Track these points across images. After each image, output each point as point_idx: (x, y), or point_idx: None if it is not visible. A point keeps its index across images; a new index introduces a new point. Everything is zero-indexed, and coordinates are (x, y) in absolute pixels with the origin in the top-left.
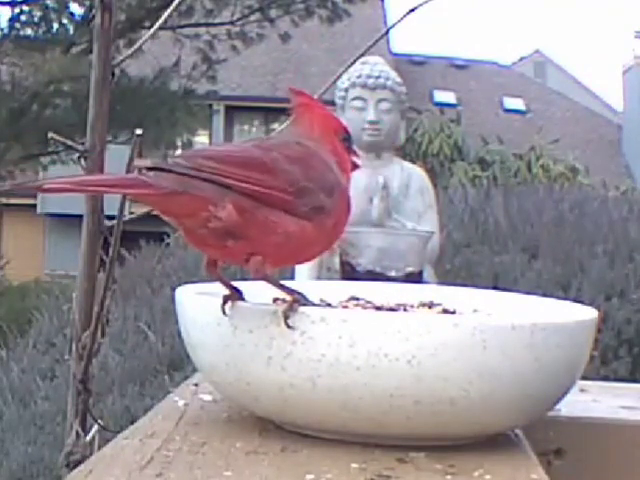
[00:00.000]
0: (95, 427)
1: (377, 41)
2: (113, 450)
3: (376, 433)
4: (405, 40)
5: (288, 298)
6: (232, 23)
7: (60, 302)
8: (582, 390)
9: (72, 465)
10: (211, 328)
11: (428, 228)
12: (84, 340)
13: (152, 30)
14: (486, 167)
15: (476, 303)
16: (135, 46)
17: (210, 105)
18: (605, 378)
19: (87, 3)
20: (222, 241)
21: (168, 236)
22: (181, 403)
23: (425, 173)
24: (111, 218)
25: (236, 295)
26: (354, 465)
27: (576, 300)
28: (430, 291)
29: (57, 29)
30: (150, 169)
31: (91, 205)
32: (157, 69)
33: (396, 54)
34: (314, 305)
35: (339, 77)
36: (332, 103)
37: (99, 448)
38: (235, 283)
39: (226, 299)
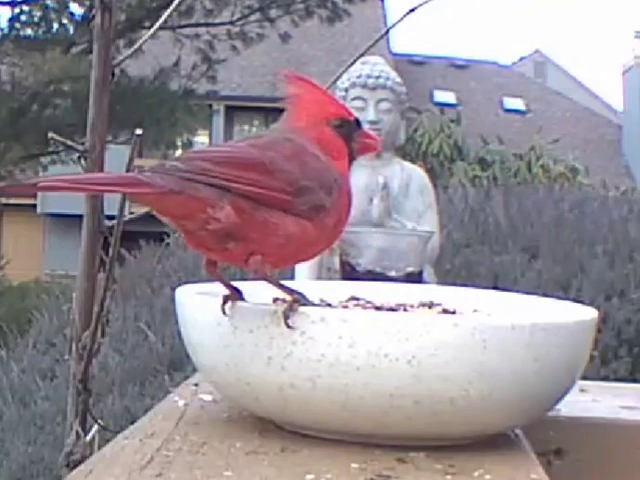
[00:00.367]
0: (95, 427)
1: (377, 41)
2: (113, 450)
3: (376, 433)
4: (405, 40)
5: (288, 298)
6: (232, 23)
7: (60, 302)
8: (582, 390)
9: (72, 465)
10: (211, 328)
11: (428, 228)
12: (84, 340)
13: (152, 30)
14: (486, 167)
15: (476, 303)
16: (135, 46)
17: (210, 105)
18: (605, 378)
19: (87, 3)
20: (222, 243)
21: (168, 236)
22: (181, 403)
23: (425, 173)
24: (111, 218)
25: (236, 295)
26: (354, 465)
27: (576, 300)
28: (430, 291)
29: (57, 29)
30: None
31: (91, 205)
32: (157, 69)
33: (396, 54)
34: (314, 305)
35: (339, 77)
36: None
37: (99, 448)
38: (235, 283)
39: (226, 299)
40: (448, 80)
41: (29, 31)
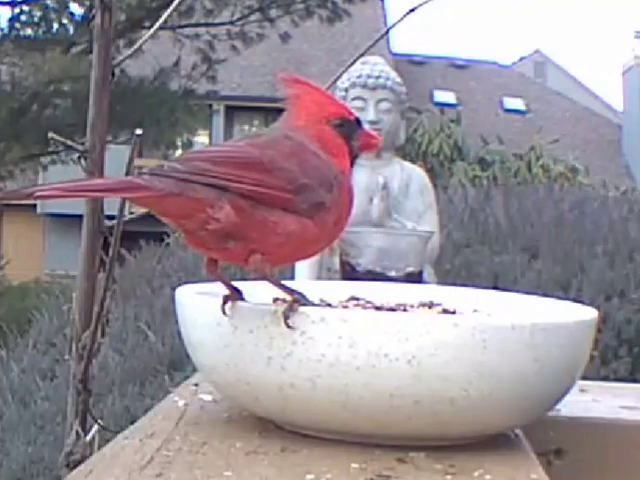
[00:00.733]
0: (95, 427)
1: (377, 41)
2: (113, 450)
3: (376, 433)
4: (405, 40)
5: (288, 298)
6: (232, 23)
7: (60, 302)
8: (582, 390)
9: (72, 465)
10: (211, 328)
11: (428, 228)
12: (84, 340)
13: (152, 30)
14: (486, 167)
15: (476, 303)
16: (135, 46)
17: (210, 105)
18: (605, 378)
19: (87, 3)
20: (222, 243)
21: (168, 236)
22: (181, 403)
23: (425, 173)
24: (111, 218)
25: (236, 295)
26: (354, 465)
27: (576, 300)
28: (430, 291)
29: (57, 29)
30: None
31: (91, 205)
32: (157, 69)
33: (396, 54)
34: (314, 305)
35: (339, 77)
36: None
37: (99, 448)
38: (235, 283)
39: (226, 299)
40: (448, 80)
41: (29, 31)
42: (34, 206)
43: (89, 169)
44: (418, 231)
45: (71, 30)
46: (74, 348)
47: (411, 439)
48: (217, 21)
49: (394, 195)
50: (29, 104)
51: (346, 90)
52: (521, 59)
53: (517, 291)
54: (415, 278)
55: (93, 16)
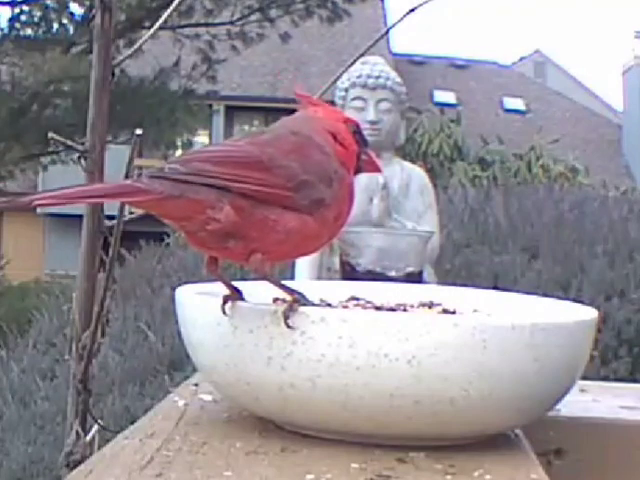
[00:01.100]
0: (95, 427)
1: (377, 41)
2: (113, 450)
3: (376, 433)
4: (405, 40)
5: (288, 298)
6: (232, 23)
7: (60, 302)
8: (582, 390)
9: (72, 465)
10: (211, 328)
11: (428, 228)
12: (84, 340)
13: (152, 30)
14: (486, 167)
15: (476, 303)
16: (135, 46)
17: (210, 105)
18: (605, 378)
19: (87, 3)
20: (222, 243)
21: (168, 236)
22: (181, 403)
23: (425, 173)
24: (111, 218)
25: (236, 295)
26: (354, 465)
27: (576, 300)
28: (430, 291)
29: (57, 29)
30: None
31: (91, 205)
32: (157, 69)
33: (396, 54)
34: (314, 305)
35: (339, 77)
36: (332, 103)
37: (99, 448)
38: (235, 283)
39: (226, 299)
40: (448, 80)
41: (29, 31)
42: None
43: (89, 169)
44: (418, 231)
45: (71, 30)
46: (74, 348)
47: (411, 439)
48: (217, 21)
49: (394, 195)
50: (29, 104)
51: (346, 90)
52: (521, 59)
53: (517, 291)
54: (415, 278)
55: (93, 16)
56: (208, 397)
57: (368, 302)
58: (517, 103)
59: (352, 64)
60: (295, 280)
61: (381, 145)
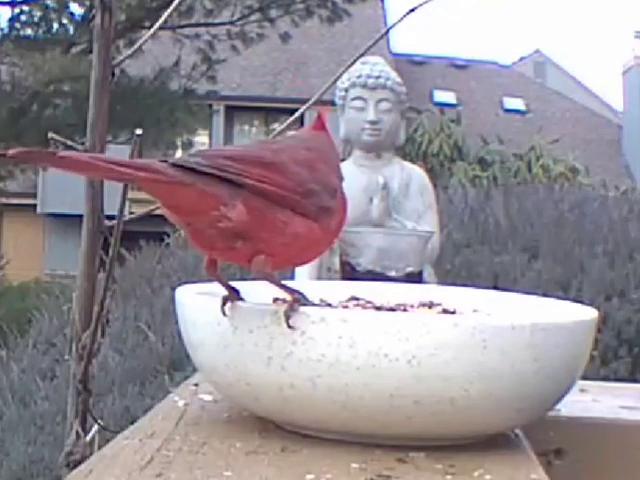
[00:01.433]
0: (95, 427)
1: (377, 41)
2: (113, 450)
3: (376, 433)
4: (405, 40)
5: (288, 298)
6: (232, 23)
7: (60, 302)
8: (582, 390)
9: (72, 465)
10: (211, 328)
11: (428, 228)
12: (84, 340)
13: (152, 30)
14: (486, 167)
15: (476, 303)
16: (135, 46)
17: (210, 105)
18: (605, 378)
19: (87, 3)
20: (230, 242)
21: (168, 236)
22: (181, 403)
23: (425, 173)
24: (111, 218)
25: (235, 296)
26: (354, 465)
27: (576, 300)
28: (430, 291)
29: (57, 29)
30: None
31: (91, 205)
32: (157, 69)
33: (396, 54)
34: (314, 305)
35: (339, 77)
36: (332, 103)
37: (99, 448)
38: (234, 283)
39: (225, 300)
40: (448, 80)
41: (29, 31)
42: (34, 206)
43: None
44: (418, 231)
45: (71, 30)
46: (74, 348)
47: (411, 439)
48: (217, 21)
49: (394, 195)
50: (29, 104)
51: (346, 90)
52: (521, 59)
53: (517, 291)
54: (415, 278)
55: (93, 16)
56: (208, 397)
57: (368, 302)
58: (517, 103)
59: (352, 64)
60: (295, 280)
61: (381, 145)
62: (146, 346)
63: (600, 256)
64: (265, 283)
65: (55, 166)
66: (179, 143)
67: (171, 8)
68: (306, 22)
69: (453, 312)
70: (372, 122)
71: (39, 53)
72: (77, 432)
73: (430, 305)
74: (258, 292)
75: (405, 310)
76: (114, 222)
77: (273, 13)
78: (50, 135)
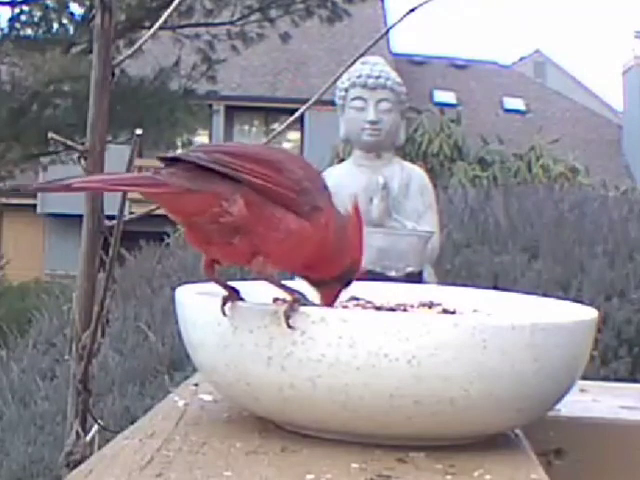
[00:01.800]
0: (95, 427)
1: (377, 41)
2: (113, 450)
3: (376, 433)
4: (405, 40)
5: (288, 298)
6: (232, 23)
7: (60, 302)
8: (582, 390)
9: (72, 465)
10: (211, 328)
11: (428, 228)
12: (84, 340)
13: (152, 30)
14: (486, 167)
15: (476, 303)
16: (135, 46)
17: (210, 105)
18: (605, 378)
19: (87, 3)
20: (228, 238)
21: (168, 236)
22: (181, 403)
23: (425, 173)
24: (111, 218)
25: (235, 296)
26: (354, 465)
27: (576, 300)
28: (430, 291)
29: (57, 29)
30: (171, 160)
31: (91, 205)
32: (157, 69)
33: (396, 54)
34: (314, 305)
35: (339, 77)
36: (332, 103)
37: (99, 448)
38: (234, 283)
39: (225, 300)
40: (448, 80)
41: (29, 31)
42: (34, 206)
43: (89, 169)
44: (418, 231)
45: (71, 30)
46: (74, 348)
47: (411, 439)
48: (217, 21)
49: (394, 195)
50: (29, 104)
51: (346, 90)
52: (521, 59)
53: (517, 291)
54: (415, 278)
55: (93, 16)
56: (208, 397)
57: (368, 302)
58: (517, 103)
59: (352, 64)
60: (295, 280)
61: (381, 145)
62: (146, 346)
63: (600, 256)
64: (265, 283)
65: (70, 192)
66: (179, 143)
67: (171, 8)
68: (306, 22)
69: (453, 312)
70: (372, 122)
71: (39, 53)
72: (77, 432)
73: (430, 305)
74: (258, 292)
75: (405, 310)
76: (114, 222)
77: (273, 13)
78: (50, 135)
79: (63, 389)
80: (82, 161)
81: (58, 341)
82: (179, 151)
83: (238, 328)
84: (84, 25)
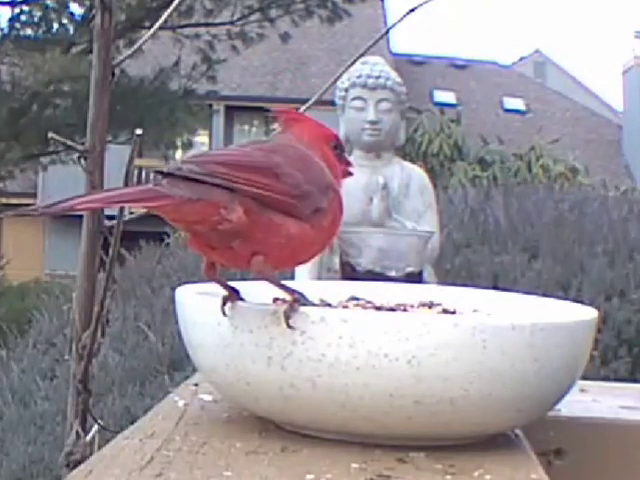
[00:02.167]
0: (95, 427)
1: (377, 41)
2: (113, 450)
3: (376, 433)
4: (405, 40)
5: (288, 298)
6: (232, 23)
7: (60, 302)
8: (582, 390)
9: (72, 465)
10: (211, 328)
11: (428, 228)
12: (84, 340)
13: (152, 30)
14: (486, 167)
15: (476, 303)
16: (135, 46)
17: (210, 105)
18: (605, 378)
19: (87, 3)
20: (228, 243)
21: (168, 236)
22: (181, 403)
23: (425, 173)
24: (111, 218)
25: (235, 296)
26: (354, 465)
27: (576, 300)
28: (430, 291)
29: (57, 29)
30: (164, 175)
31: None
32: (157, 69)
33: (396, 54)
34: (314, 305)
35: (339, 77)
36: (332, 103)
37: (99, 448)
38: (234, 283)
39: (225, 300)
40: (448, 80)
41: (29, 31)
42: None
43: (89, 169)
44: (418, 231)
45: (71, 30)
46: (74, 348)
47: (411, 439)
48: (217, 21)
49: (394, 195)
50: (29, 104)
51: (346, 90)
52: (521, 59)
53: (517, 291)
54: (415, 278)
55: (93, 16)
56: (208, 397)
57: (368, 302)
58: (517, 103)
59: (352, 64)
60: (295, 280)
61: (381, 145)
62: (146, 346)
63: (600, 256)
64: (265, 283)
65: (73, 211)
66: (179, 143)
67: (171, 8)
68: (306, 22)
69: (453, 312)
70: (372, 122)
71: (39, 53)
72: (77, 432)
73: (430, 305)
74: (258, 292)
75: (405, 310)
76: (114, 222)
77: (273, 13)
78: (50, 135)
79: (63, 389)
80: (82, 161)
81: (58, 341)
82: (179, 152)
83: (238, 328)
84: (84, 25)
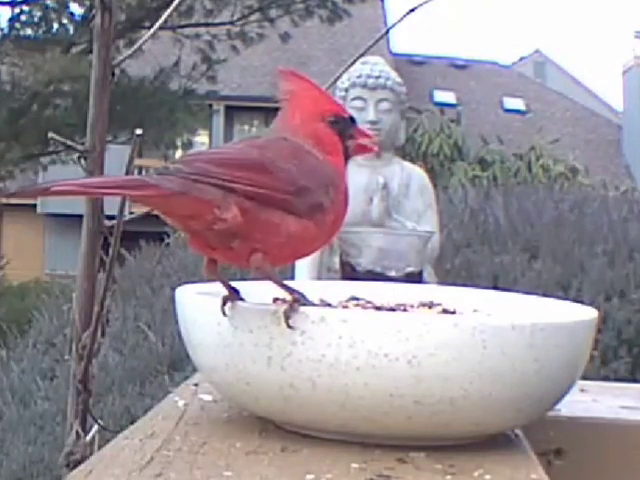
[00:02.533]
0: (95, 427)
1: (377, 41)
2: (113, 450)
3: (376, 433)
4: (405, 40)
5: (288, 297)
6: (232, 23)
7: (60, 302)
8: (582, 390)
9: (72, 465)
10: (211, 328)
11: (428, 228)
12: (84, 340)
13: (152, 30)
14: (486, 167)
15: (476, 303)
16: (135, 46)
17: (210, 105)
18: (605, 378)
19: (87, 3)
20: (227, 242)
21: (168, 236)
22: (181, 403)
23: (425, 173)
24: (111, 218)
25: (235, 296)
26: (354, 465)
27: (576, 300)
28: (430, 291)
29: (57, 29)
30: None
31: (91, 205)
32: (157, 69)
33: (396, 54)
34: (314, 305)
35: (339, 77)
36: None
37: (99, 448)
38: (234, 283)
39: (225, 300)
40: (448, 80)
41: (29, 31)
42: (34, 206)
43: (89, 169)
44: (418, 231)
45: (71, 30)
46: (74, 348)
47: (411, 439)
48: (217, 21)
49: (394, 195)
50: (29, 104)
51: (346, 90)
52: (521, 59)
53: (517, 291)
54: (415, 278)
55: (93, 16)
56: (208, 397)
57: (368, 302)
58: (517, 103)
59: (352, 64)
60: (295, 280)
61: (381, 145)
62: (146, 346)
63: (600, 256)
64: (265, 283)
65: (51, 195)
66: (179, 143)
67: (171, 8)
68: (306, 22)
69: (453, 312)
70: (372, 122)
71: (39, 53)
72: (77, 432)
73: (430, 305)
74: (258, 292)
75: (405, 310)
76: (114, 222)
77: (273, 13)
78: (50, 135)
79: (63, 389)
80: (82, 161)
81: (58, 341)
82: (179, 151)
83: (238, 328)
84: (84, 25)
